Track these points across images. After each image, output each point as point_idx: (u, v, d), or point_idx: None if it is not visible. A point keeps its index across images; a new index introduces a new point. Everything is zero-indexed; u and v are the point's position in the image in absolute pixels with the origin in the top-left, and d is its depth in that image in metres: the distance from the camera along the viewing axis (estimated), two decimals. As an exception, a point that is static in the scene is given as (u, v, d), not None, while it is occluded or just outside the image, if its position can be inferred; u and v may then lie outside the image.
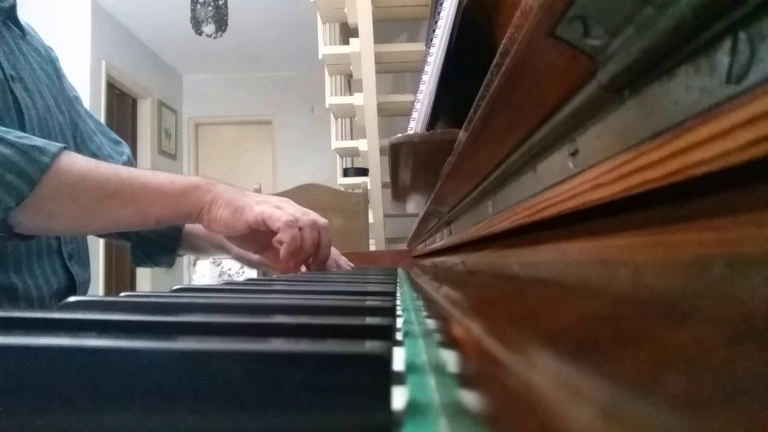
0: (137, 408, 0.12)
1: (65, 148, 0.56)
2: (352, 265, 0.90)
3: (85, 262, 0.79)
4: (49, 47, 0.82)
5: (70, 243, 0.74)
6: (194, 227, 0.85)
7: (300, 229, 0.66)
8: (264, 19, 3.94)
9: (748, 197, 0.10)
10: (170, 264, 0.88)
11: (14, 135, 0.53)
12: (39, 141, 0.54)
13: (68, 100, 0.81)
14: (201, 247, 0.88)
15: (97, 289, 3.52)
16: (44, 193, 0.53)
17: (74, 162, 0.56)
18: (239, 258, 0.87)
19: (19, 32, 0.74)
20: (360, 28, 2.23)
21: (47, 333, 0.14)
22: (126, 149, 0.88)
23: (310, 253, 0.68)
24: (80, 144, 0.81)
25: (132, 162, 0.88)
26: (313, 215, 0.70)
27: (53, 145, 0.55)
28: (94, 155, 0.81)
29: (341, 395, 0.12)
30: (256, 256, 0.79)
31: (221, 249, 0.86)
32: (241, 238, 0.69)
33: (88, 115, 0.85)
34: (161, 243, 0.85)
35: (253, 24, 3.95)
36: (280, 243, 0.67)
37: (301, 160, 4.74)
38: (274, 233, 0.67)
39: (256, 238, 0.70)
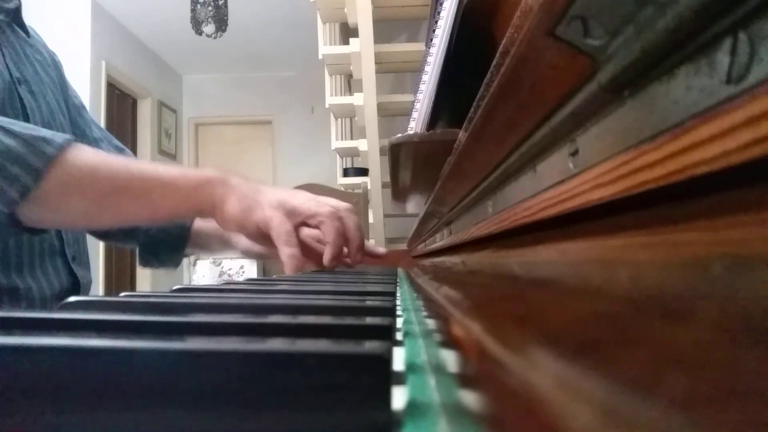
0: (137, 408, 0.12)
1: (73, 139, 0.54)
2: (383, 249, 0.86)
3: (86, 263, 0.79)
4: (53, 52, 0.82)
5: (73, 245, 0.74)
6: (202, 225, 0.84)
7: (295, 243, 0.62)
8: (264, 19, 3.94)
9: (748, 197, 0.10)
10: (177, 264, 0.88)
11: (19, 126, 0.52)
12: (45, 132, 0.53)
13: (73, 106, 0.81)
14: (208, 245, 0.87)
15: (97, 289, 3.52)
16: (51, 186, 0.51)
17: (82, 154, 0.54)
18: (246, 252, 0.85)
19: (24, 35, 0.74)
20: (360, 28, 2.23)
21: (47, 333, 0.14)
22: (131, 155, 0.88)
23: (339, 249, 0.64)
24: None
25: None
26: (328, 207, 0.65)
27: (59, 136, 0.53)
28: None
29: (341, 395, 0.12)
30: (260, 248, 0.75)
31: (227, 245, 0.84)
32: (254, 235, 0.65)
33: (93, 123, 0.85)
34: (169, 243, 0.84)
35: (253, 24, 3.95)
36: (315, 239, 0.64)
37: (301, 160, 4.74)
38: None
39: (269, 237, 0.67)
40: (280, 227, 0.61)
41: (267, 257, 0.84)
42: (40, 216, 0.54)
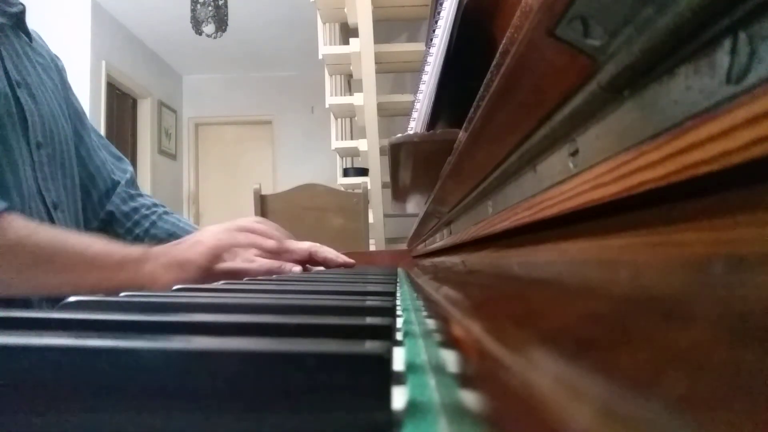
0: (137, 408, 0.12)
1: (8, 209, 0.56)
2: (345, 259, 0.85)
3: None
4: (56, 56, 0.82)
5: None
6: None
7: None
8: (264, 19, 3.94)
9: (748, 197, 0.10)
10: None
11: None
12: None
13: (75, 112, 0.81)
14: None
15: (97, 289, 3.51)
16: None
17: (14, 224, 0.56)
18: None
19: (27, 39, 0.74)
20: (360, 28, 2.23)
21: (47, 333, 0.14)
22: (129, 167, 0.88)
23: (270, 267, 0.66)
24: (85, 157, 0.81)
25: (134, 179, 0.87)
26: (241, 223, 0.68)
27: None
28: (97, 169, 0.81)
29: (341, 395, 0.12)
30: None
31: None
32: (202, 277, 0.66)
33: (93, 130, 0.86)
34: None
35: (253, 24, 3.95)
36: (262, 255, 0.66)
37: (301, 160, 4.74)
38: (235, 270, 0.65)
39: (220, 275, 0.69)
40: (220, 261, 0.63)
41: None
42: None
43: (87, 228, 0.79)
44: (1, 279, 0.57)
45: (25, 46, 0.73)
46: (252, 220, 0.71)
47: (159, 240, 0.82)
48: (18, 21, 0.72)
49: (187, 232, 0.80)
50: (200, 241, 0.65)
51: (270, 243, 0.69)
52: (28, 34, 0.74)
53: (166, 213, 0.86)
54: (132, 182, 0.85)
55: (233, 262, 0.65)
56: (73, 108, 0.81)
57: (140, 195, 0.86)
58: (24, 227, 0.57)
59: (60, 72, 0.81)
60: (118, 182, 0.83)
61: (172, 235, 0.81)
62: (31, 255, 0.57)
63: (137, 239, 0.82)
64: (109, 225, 0.82)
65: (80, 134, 0.81)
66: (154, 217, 0.83)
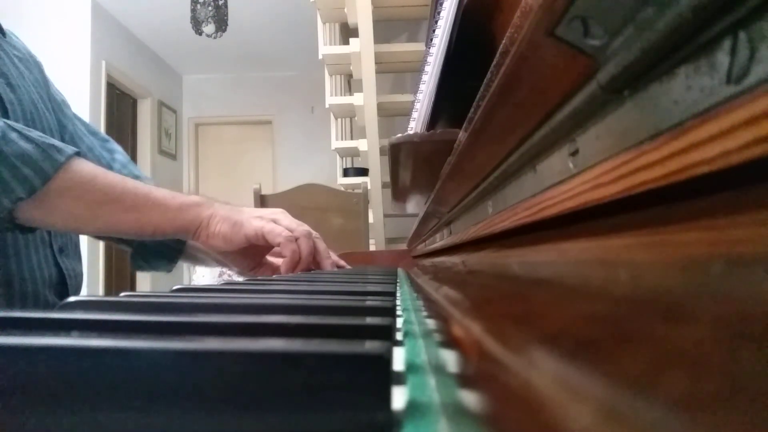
0: (137, 408, 0.12)
1: (80, 153, 0.59)
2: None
3: (76, 255, 0.80)
4: (32, 52, 0.83)
5: (61, 237, 0.75)
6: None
7: (297, 239, 0.68)
8: (264, 19, 3.94)
9: (748, 197, 0.10)
10: (168, 270, 0.89)
11: (35, 133, 0.57)
12: (57, 142, 0.58)
13: (56, 103, 0.82)
14: (202, 259, 0.89)
15: (97, 288, 3.52)
16: (52, 189, 0.56)
17: (85, 165, 0.60)
18: (241, 273, 0.88)
19: (0, 34, 0.74)
20: (360, 28, 2.23)
21: (47, 333, 0.14)
22: (116, 146, 0.90)
23: (308, 263, 0.69)
24: (70, 143, 0.81)
25: (126, 157, 0.89)
26: (306, 226, 0.72)
27: (69, 147, 0.58)
28: (84, 155, 0.81)
29: (341, 395, 0.12)
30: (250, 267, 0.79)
31: (222, 263, 0.87)
32: (234, 255, 0.71)
33: (76, 118, 0.86)
34: (162, 252, 0.85)
35: (253, 24, 3.95)
36: (277, 257, 0.68)
37: (301, 160, 4.74)
38: (268, 250, 0.69)
39: (252, 255, 0.72)
40: (273, 231, 0.66)
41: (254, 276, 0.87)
42: (34, 215, 0.58)
43: None
44: (72, 213, 0.60)
45: (0, 41, 0.73)
46: (318, 236, 0.74)
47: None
48: None
49: None
50: (261, 217, 0.68)
51: (326, 263, 0.73)
52: (1, 29, 0.75)
53: None
54: (124, 164, 0.86)
55: (276, 259, 0.68)
56: (54, 100, 0.82)
57: (137, 177, 0.86)
58: (95, 168, 0.61)
59: (38, 66, 0.82)
60: (110, 166, 0.83)
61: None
62: (101, 193, 0.60)
63: None
64: None
65: (63, 123, 0.82)
66: None
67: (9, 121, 0.56)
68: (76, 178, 0.58)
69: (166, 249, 0.85)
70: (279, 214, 0.71)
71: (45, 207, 0.57)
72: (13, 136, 0.55)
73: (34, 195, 0.55)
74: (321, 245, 0.73)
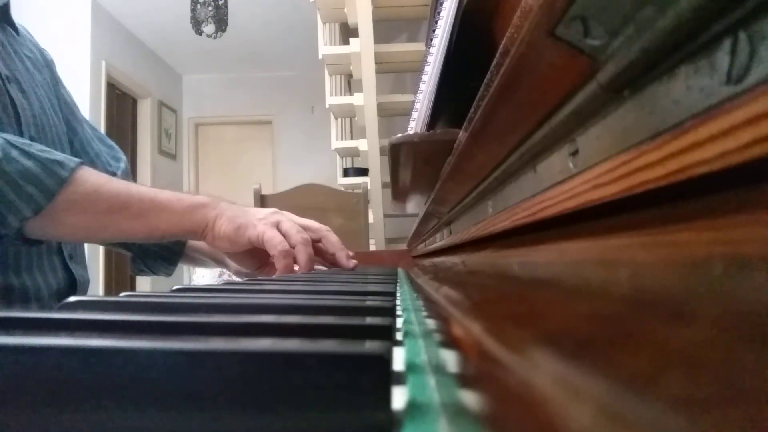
0: (137, 408, 0.12)
1: (82, 163, 0.59)
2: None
3: (83, 262, 0.79)
4: (44, 49, 0.82)
5: (70, 244, 0.75)
6: (197, 242, 0.86)
7: (294, 247, 0.67)
8: (264, 19, 3.94)
9: (748, 197, 0.10)
10: (168, 274, 0.89)
11: (36, 148, 0.57)
12: (59, 155, 0.58)
13: (66, 104, 0.81)
14: (202, 261, 0.90)
15: (97, 289, 3.52)
16: (59, 204, 0.56)
17: (88, 175, 0.60)
18: (238, 274, 0.88)
19: (13, 32, 0.73)
20: (360, 28, 2.23)
21: (47, 333, 0.14)
22: (122, 155, 0.89)
23: (309, 270, 0.70)
24: (79, 149, 0.81)
25: (128, 169, 0.88)
26: (312, 227, 0.72)
27: (72, 160, 0.58)
28: (92, 162, 0.82)
29: (341, 395, 0.12)
30: (249, 268, 0.79)
31: (221, 264, 0.87)
32: (241, 255, 0.71)
33: (85, 122, 0.86)
34: (162, 255, 0.85)
35: (253, 24, 3.95)
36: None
37: (301, 160, 4.74)
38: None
39: (256, 256, 0.72)
40: (272, 241, 0.66)
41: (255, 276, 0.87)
42: (43, 230, 0.58)
43: None
44: (80, 225, 0.60)
45: (12, 40, 0.72)
46: (327, 230, 0.73)
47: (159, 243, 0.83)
48: (3, 14, 0.71)
49: None
50: (265, 220, 0.68)
51: (341, 256, 0.73)
52: (14, 27, 0.74)
53: None
54: (126, 173, 0.86)
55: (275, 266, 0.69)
56: (64, 101, 0.81)
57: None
58: (99, 177, 0.61)
59: (49, 65, 0.81)
60: (114, 173, 0.83)
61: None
62: (106, 203, 0.60)
63: None
64: None
65: (73, 127, 0.81)
66: None
67: (9, 137, 0.56)
68: (80, 190, 0.58)
69: (166, 251, 0.85)
70: (282, 216, 0.70)
71: (52, 222, 0.57)
72: (15, 153, 0.54)
73: (41, 212, 0.55)
74: (332, 238, 0.73)
